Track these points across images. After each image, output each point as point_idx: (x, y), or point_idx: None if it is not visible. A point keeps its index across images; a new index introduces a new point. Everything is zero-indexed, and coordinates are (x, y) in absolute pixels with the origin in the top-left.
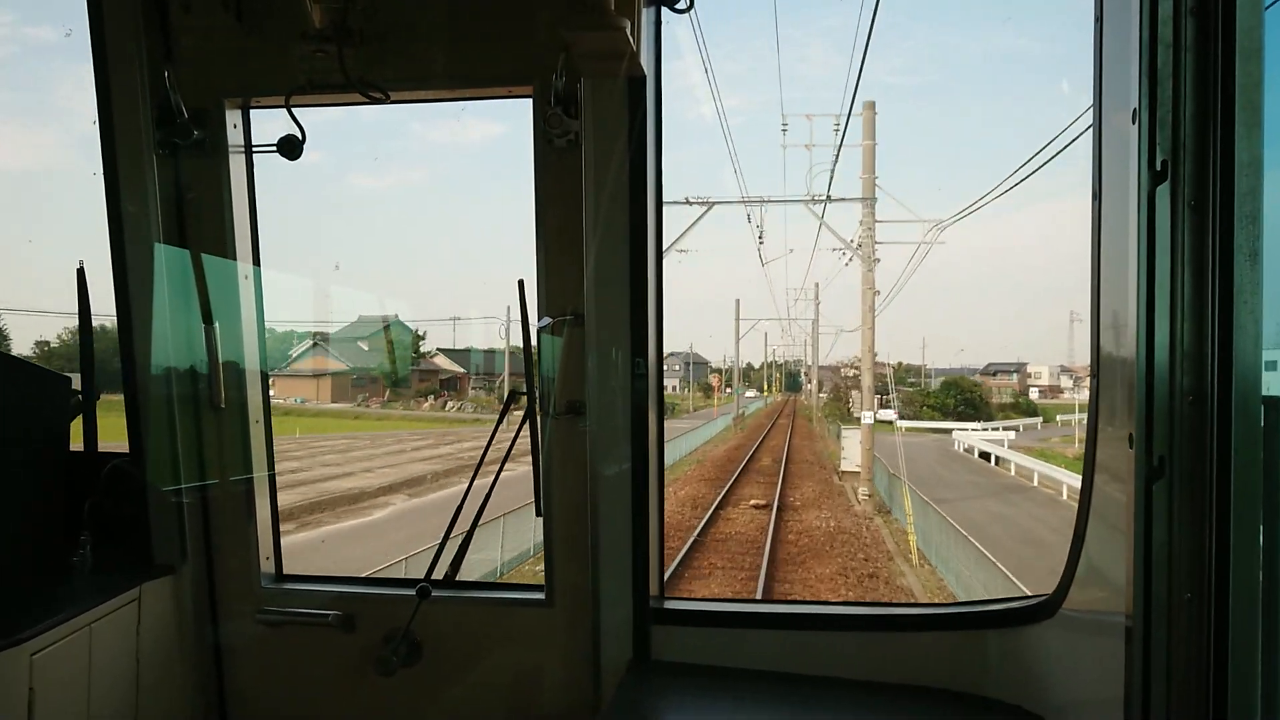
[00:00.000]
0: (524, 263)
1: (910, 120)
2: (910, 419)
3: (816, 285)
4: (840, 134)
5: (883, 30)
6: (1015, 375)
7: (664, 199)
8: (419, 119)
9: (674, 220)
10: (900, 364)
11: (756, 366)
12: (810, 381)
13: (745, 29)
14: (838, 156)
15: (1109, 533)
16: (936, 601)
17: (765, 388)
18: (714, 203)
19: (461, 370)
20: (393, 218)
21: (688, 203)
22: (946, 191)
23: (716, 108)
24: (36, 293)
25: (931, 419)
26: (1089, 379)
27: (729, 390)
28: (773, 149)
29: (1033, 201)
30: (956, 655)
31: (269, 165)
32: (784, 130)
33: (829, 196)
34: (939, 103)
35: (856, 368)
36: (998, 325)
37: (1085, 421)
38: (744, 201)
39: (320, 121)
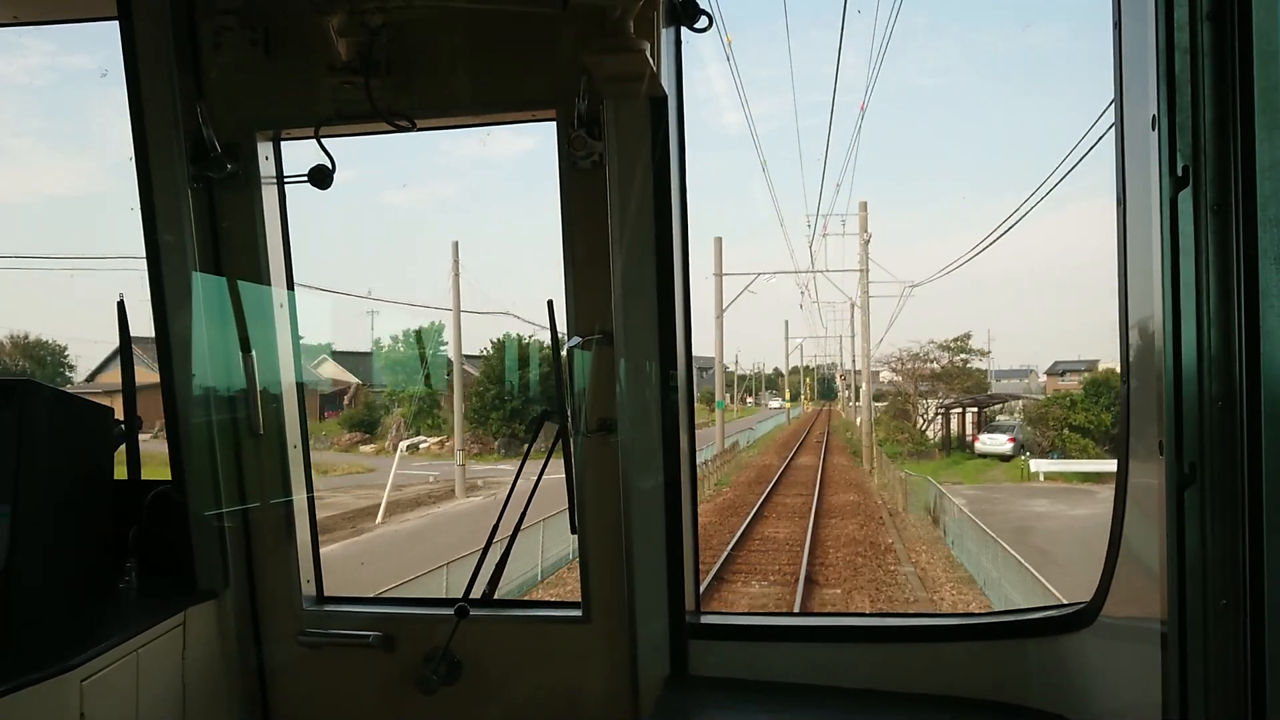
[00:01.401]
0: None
1: (938, 121)
2: (1043, 451)
3: (864, 204)
4: None
5: (913, 32)
6: (1088, 374)
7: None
8: (448, 137)
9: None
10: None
11: (785, 372)
12: (852, 385)
13: (774, 34)
14: None
15: (1144, 539)
16: (973, 611)
17: (788, 397)
18: None
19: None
20: (425, 232)
21: None
22: (971, 200)
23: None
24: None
25: (1084, 451)
26: (1119, 385)
27: (748, 401)
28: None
29: (1077, 199)
30: (995, 665)
31: (302, 186)
32: None
33: None
34: (969, 103)
35: (933, 358)
36: (1036, 322)
37: None
38: None
39: (351, 140)
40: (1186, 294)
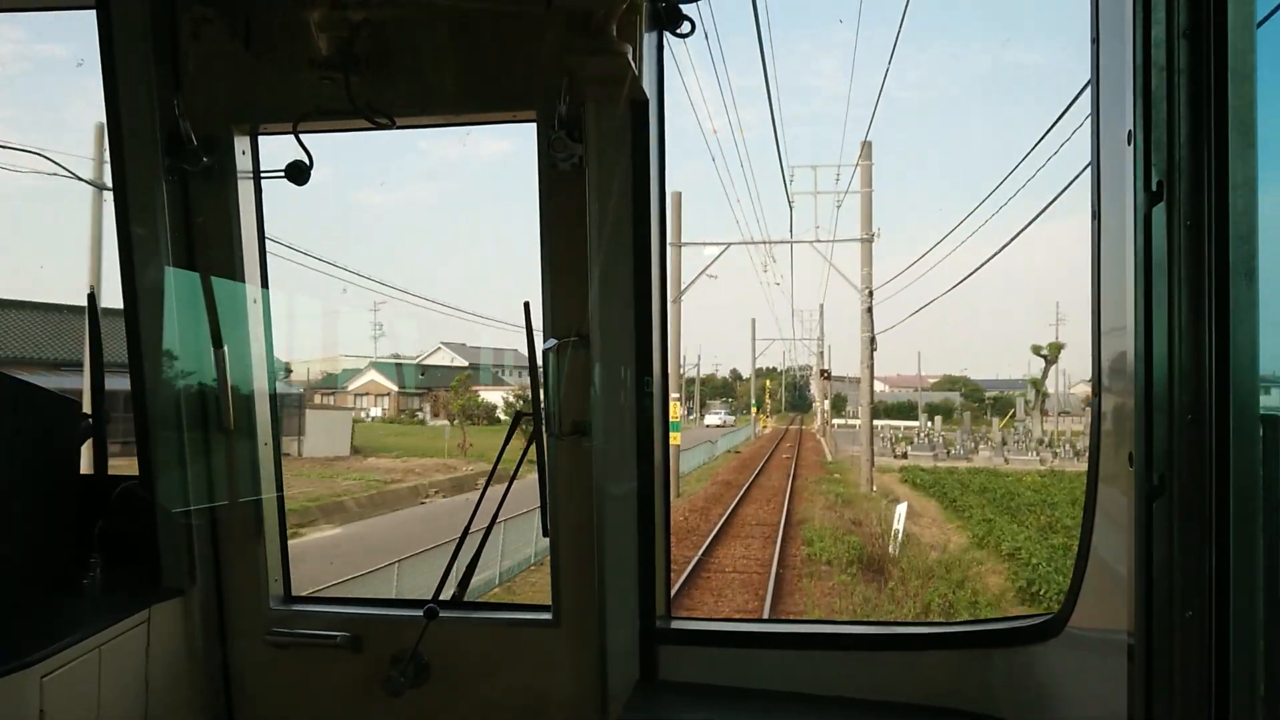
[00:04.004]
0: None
1: (917, 135)
2: None
3: None
4: None
5: (901, 44)
6: None
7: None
8: (425, 137)
9: None
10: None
11: (746, 377)
12: (866, 399)
13: (755, 43)
14: None
15: (1113, 551)
16: (944, 620)
17: (676, 413)
18: None
19: None
20: (401, 233)
21: None
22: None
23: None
24: None
25: None
26: (1091, 397)
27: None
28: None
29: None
30: (964, 674)
31: (278, 181)
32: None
33: None
34: (949, 116)
35: None
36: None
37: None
38: None
39: (330, 137)
40: (1159, 308)
